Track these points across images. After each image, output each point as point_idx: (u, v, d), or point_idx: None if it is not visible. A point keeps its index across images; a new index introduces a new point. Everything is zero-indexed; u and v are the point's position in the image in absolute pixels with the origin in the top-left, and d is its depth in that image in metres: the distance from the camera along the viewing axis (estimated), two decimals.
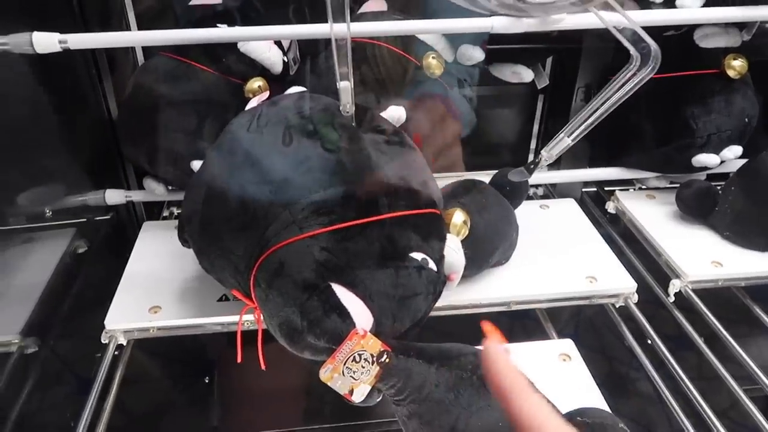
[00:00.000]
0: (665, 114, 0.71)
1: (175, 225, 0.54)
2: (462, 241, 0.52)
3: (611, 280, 0.61)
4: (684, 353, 0.58)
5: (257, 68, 0.64)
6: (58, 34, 0.52)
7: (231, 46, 0.62)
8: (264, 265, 0.42)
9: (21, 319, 0.53)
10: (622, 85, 0.49)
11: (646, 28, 0.48)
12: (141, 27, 0.70)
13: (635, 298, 0.61)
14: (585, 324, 0.74)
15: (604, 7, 0.53)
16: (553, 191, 0.85)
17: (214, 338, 0.58)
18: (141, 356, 0.61)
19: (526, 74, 0.75)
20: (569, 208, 0.75)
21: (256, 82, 0.63)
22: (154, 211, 0.78)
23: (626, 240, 0.72)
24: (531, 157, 0.90)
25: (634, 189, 0.81)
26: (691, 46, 0.67)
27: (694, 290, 0.62)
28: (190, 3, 0.65)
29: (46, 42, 0.52)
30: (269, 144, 0.46)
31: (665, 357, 0.56)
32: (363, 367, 0.39)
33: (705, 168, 0.72)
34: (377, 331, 0.41)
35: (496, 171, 0.63)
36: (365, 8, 0.67)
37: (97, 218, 0.71)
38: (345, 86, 0.44)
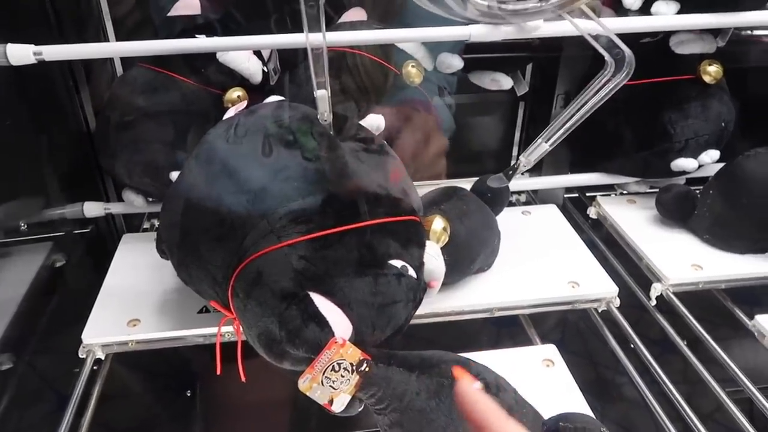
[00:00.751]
0: (644, 120, 0.72)
1: (155, 237, 0.54)
2: (443, 248, 0.52)
3: (593, 285, 0.61)
4: (667, 357, 0.58)
5: (236, 78, 0.64)
6: (32, 45, 0.52)
7: (210, 57, 0.62)
8: (242, 275, 0.42)
9: None
10: (598, 90, 0.49)
11: (622, 36, 0.49)
12: (120, 38, 0.70)
13: (617, 302, 0.61)
14: (569, 329, 0.74)
15: (581, 15, 0.53)
16: (535, 198, 0.86)
17: (195, 351, 0.57)
18: (120, 371, 0.60)
19: (505, 82, 0.75)
20: (551, 213, 0.75)
21: (235, 92, 0.63)
22: (134, 223, 0.78)
23: (608, 245, 0.73)
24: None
25: (616, 194, 0.82)
26: (668, 52, 0.68)
27: (675, 293, 0.63)
28: (169, 14, 0.65)
29: (20, 54, 0.51)
30: (247, 153, 0.46)
31: (648, 361, 0.57)
32: (342, 377, 0.39)
33: (684, 172, 0.72)
34: (357, 340, 0.40)
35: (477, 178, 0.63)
36: (345, 18, 0.67)
37: (76, 231, 0.71)
38: (322, 95, 0.44)
